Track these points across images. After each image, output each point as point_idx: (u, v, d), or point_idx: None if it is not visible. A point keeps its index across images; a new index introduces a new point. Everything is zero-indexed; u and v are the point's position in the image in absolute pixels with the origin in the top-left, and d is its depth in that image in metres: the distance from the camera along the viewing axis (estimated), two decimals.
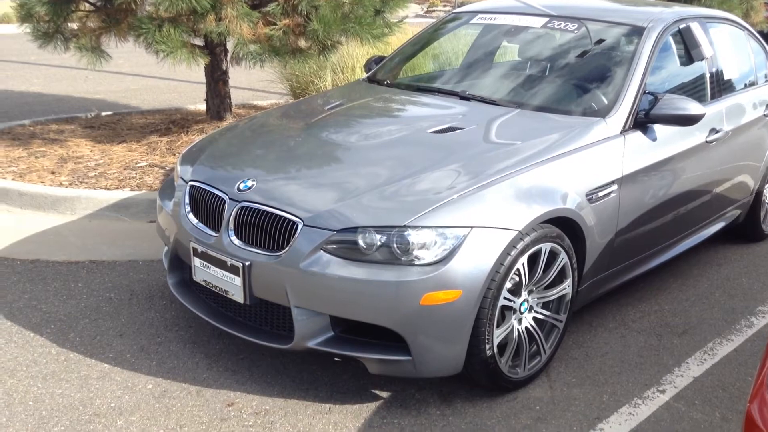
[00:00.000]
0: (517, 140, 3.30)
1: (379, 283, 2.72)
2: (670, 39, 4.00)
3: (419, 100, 3.96)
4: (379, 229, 2.78)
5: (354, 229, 2.79)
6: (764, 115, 4.62)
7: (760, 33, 16.87)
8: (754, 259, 4.74)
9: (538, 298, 3.17)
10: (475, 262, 2.79)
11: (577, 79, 3.94)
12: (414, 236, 2.75)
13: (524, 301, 3.09)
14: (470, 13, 4.62)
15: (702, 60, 4.05)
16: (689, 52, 4.01)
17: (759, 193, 4.82)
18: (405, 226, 2.76)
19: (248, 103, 8.18)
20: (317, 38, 5.85)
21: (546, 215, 3.01)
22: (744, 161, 4.49)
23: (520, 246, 2.90)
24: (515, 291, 3.02)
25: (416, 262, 2.75)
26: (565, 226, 3.15)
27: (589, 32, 4.00)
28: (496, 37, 4.57)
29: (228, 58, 6.54)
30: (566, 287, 3.23)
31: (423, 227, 2.77)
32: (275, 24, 5.83)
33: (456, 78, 4.49)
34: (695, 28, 4.07)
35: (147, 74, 10.59)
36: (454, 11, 4.79)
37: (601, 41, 3.97)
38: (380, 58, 4.72)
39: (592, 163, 3.32)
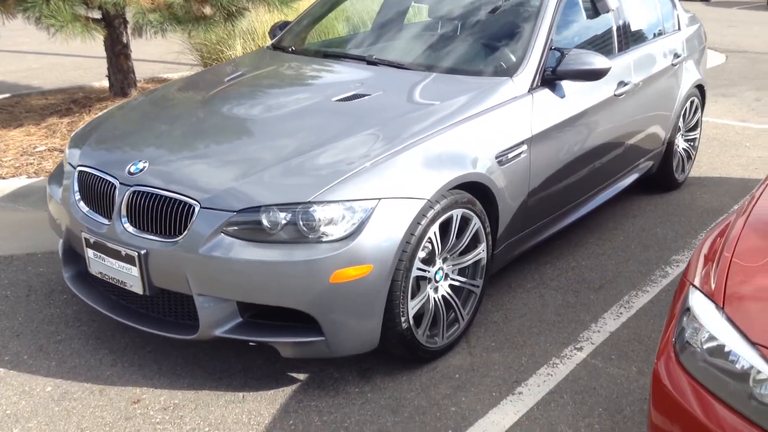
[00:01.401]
0: (424, 105, 3.20)
1: (285, 263, 2.60)
2: None
3: (325, 67, 3.81)
4: (283, 206, 2.65)
5: (256, 209, 2.65)
6: (672, 64, 4.65)
7: None
8: (668, 208, 4.81)
9: (453, 265, 3.10)
10: (384, 234, 2.69)
11: (485, 38, 3.85)
12: (320, 212, 2.63)
13: (439, 269, 3.03)
14: None
15: (608, 12, 4.01)
16: (595, 5, 3.97)
17: (671, 143, 4.87)
18: (310, 202, 2.64)
19: (157, 76, 7.83)
20: (221, 5, 5.60)
21: (455, 181, 2.94)
22: (654, 112, 4.52)
23: (430, 214, 2.82)
24: (429, 260, 2.94)
25: (324, 239, 2.63)
26: (476, 190, 3.08)
27: None
28: None
29: (129, 30, 6.21)
30: (481, 252, 3.18)
31: (329, 202, 2.65)
32: None
33: (365, 42, 4.34)
34: None
35: (50, 51, 10.02)
36: None
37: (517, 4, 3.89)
38: (285, 24, 4.53)
39: (501, 125, 3.25)
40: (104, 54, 6.32)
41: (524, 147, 3.32)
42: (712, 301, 1.90)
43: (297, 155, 2.83)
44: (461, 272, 3.15)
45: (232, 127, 3.12)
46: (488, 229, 3.19)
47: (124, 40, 6.27)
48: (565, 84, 3.57)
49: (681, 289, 2.08)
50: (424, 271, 2.91)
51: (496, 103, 3.28)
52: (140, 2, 5.44)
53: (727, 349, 1.79)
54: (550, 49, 3.55)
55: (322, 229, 2.64)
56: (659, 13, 4.73)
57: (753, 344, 1.74)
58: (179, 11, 5.58)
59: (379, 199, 2.70)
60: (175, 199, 2.71)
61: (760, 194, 2.39)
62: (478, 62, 3.65)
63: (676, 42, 4.79)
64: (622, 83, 4.01)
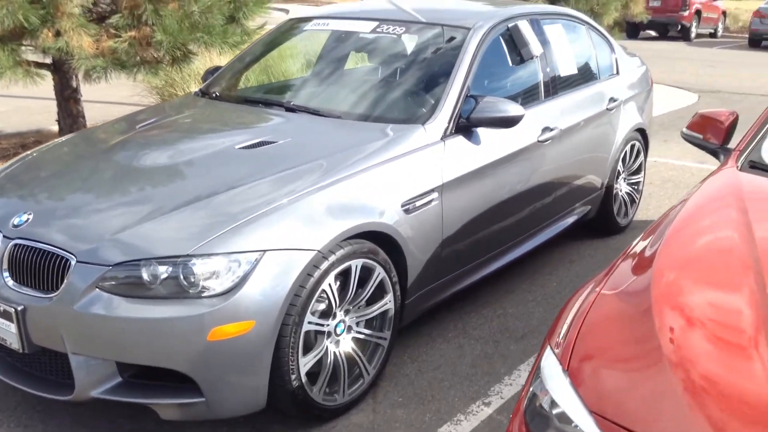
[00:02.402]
0: (328, 153, 3.14)
1: (161, 321, 2.51)
2: (500, 39, 3.92)
3: (242, 113, 3.76)
4: (162, 260, 2.57)
5: (134, 262, 2.58)
6: (608, 108, 4.62)
7: (644, 23, 17.24)
8: (608, 253, 4.74)
9: (357, 317, 3.02)
10: (269, 288, 2.61)
11: (406, 84, 3.82)
12: (201, 265, 2.56)
13: (340, 322, 2.94)
14: (306, 20, 4.45)
15: (531, 58, 3.99)
16: (519, 51, 3.95)
17: (609, 187, 4.82)
18: (189, 255, 2.57)
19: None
20: (165, 49, 5.60)
21: (353, 231, 2.87)
22: (588, 156, 4.48)
23: (323, 266, 2.75)
24: (327, 313, 2.86)
25: (204, 294, 2.56)
26: (380, 239, 3.01)
27: (416, 36, 3.90)
28: (337, 43, 4.41)
29: (79, 75, 6.20)
30: (388, 303, 3.10)
31: (210, 255, 2.57)
32: (120, 36, 5.55)
33: (295, 87, 4.32)
34: (524, 26, 4.01)
35: (19, 94, 10.00)
36: (289, 17, 4.62)
37: (427, 45, 3.87)
38: (216, 69, 4.51)
39: (408, 172, 3.20)
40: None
41: (434, 195, 3.26)
42: (560, 362, 1.82)
43: (184, 205, 2.76)
44: (368, 324, 3.07)
45: (125, 176, 3.06)
46: (395, 279, 3.11)
47: (74, 84, 6.26)
48: (483, 131, 3.53)
49: (543, 346, 2.01)
50: (321, 324, 2.83)
51: (405, 151, 3.23)
52: (84, 47, 5.43)
53: (570, 415, 1.71)
54: (467, 96, 3.51)
55: (203, 283, 2.56)
56: (594, 59, 4.71)
57: (591, 412, 1.66)
58: (123, 56, 5.57)
59: (264, 250, 2.63)
60: (53, 253, 2.64)
61: (631, 248, 2.33)
62: (392, 109, 3.61)
63: (612, 86, 4.77)
64: (547, 129, 3.97)
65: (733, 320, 1.88)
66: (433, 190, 3.25)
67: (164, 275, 2.56)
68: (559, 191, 4.19)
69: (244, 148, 3.20)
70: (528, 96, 4.00)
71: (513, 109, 3.42)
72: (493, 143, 3.60)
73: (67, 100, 6.29)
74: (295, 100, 3.74)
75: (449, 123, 3.43)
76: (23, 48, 5.45)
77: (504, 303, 4.00)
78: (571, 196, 4.41)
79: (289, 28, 4.53)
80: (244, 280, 2.58)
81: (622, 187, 5.04)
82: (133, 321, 2.52)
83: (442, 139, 3.38)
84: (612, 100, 4.68)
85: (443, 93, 3.49)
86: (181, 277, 2.56)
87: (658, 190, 6.09)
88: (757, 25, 20.18)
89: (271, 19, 6.85)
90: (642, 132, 5.10)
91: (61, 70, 6.10)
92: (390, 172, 3.13)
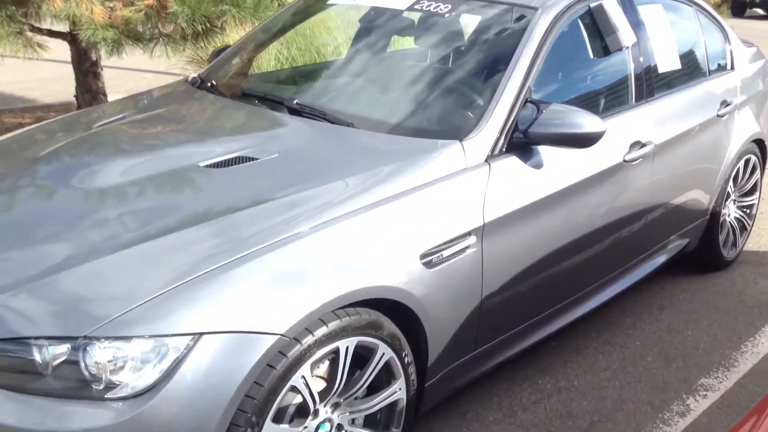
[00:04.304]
0: (320, 180, 2.26)
1: None
2: (578, 23, 2.92)
3: (231, 113, 2.90)
4: (54, 340, 1.77)
5: (18, 341, 1.79)
6: (718, 115, 3.56)
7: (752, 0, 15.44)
8: (709, 298, 3.71)
9: (351, 413, 2.17)
10: (206, 388, 1.78)
11: (437, 82, 2.86)
12: (105, 351, 1.75)
13: (324, 422, 2.10)
14: None
15: (620, 49, 2.98)
16: (603, 39, 2.94)
17: (715, 213, 3.77)
18: (90, 338, 1.76)
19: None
20: (184, 21, 4.80)
21: (342, 300, 2.00)
22: (690, 177, 3.45)
23: (293, 353, 1.90)
24: (304, 410, 2.02)
25: (110, 395, 1.75)
26: (385, 305, 2.14)
27: (461, 17, 2.96)
28: (367, 23, 3.47)
29: (100, 48, 5.49)
30: (397, 391, 2.23)
31: (119, 337, 1.76)
32: (134, 4, 4.80)
33: (306, 80, 3.44)
34: (611, 6, 2.98)
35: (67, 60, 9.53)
36: None
37: (475, 29, 2.91)
38: (223, 50, 3.66)
39: (434, 209, 2.29)
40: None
41: (472, 239, 2.34)
42: None
43: (99, 255, 1.94)
44: (369, 422, 2.22)
45: (37, 204, 2.25)
46: (409, 359, 2.24)
47: (93, 56, 5.56)
48: (546, 149, 2.58)
49: None
50: (296, 427, 2.00)
51: (432, 178, 2.32)
52: (94, 16, 4.70)
53: None
54: (526, 101, 2.56)
55: (110, 376, 1.75)
56: (702, 49, 3.64)
57: None
58: (139, 27, 4.82)
59: (201, 333, 1.79)
60: None
61: None
62: (420, 117, 2.68)
63: (726, 85, 3.69)
64: (637, 144, 2.98)
65: None
66: (469, 233, 2.34)
67: (56, 361, 1.77)
68: (648, 224, 3.19)
69: (210, 166, 2.35)
70: (613, 100, 3.01)
71: (590, 123, 2.46)
72: (561, 165, 2.65)
73: (86, 74, 5.60)
74: (301, 97, 2.85)
75: (499, 138, 2.49)
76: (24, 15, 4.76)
77: (567, 369, 3.05)
78: (664, 229, 3.40)
79: (313, 4, 3.64)
80: (168, 375, 1.76)
81: (730, 212, 3.98)
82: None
83: (487, 160, 2.45)
84: (724, 103, 3.61)
85: (492, 96, 2.55)
86: (83, 364, 1.76)
87: None
88: None
89: None
90: (760, 144, 3.99)
91: (77, 40, 5.39)
92: (406, 210, 2.23)
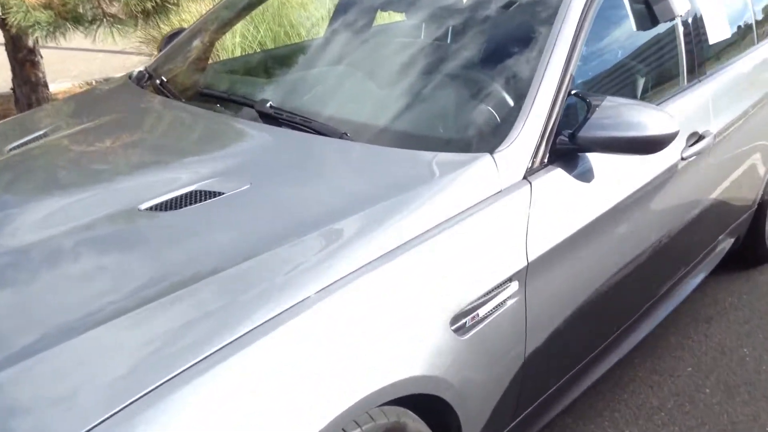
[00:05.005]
0: (305, 225, 1.63)
1: None
2: None
3: (187, 123, 2.25)
4: None
5: None
6: None
7: None
8: (757, 303, 3.19)
9: None
10: None
11: (454, 75, 2.25)
12: None
13: None
14: None
15: (672, 20, 2.39)
16: (651, 9, 2.34)
17: (763, 203, 3.24)
18: None
19: (104, 79, 6.42)
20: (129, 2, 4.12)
21: (350, 414, 1.41)
22: (743, 166, 2.90)
23: None
24: None
25: None
26: (410, 399, 1.56)
27: None
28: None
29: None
30: None
31: None
32: None
33: (281, 72, 2.80)
34: None
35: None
36: None
37: (507, 2, 2.30)
38: (177, 33, 3.01)
39: (463, 253, 1.71)
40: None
41: (513, 287, 1.77)
42: None
43: None
44: None
45: None
46: None
47: (30, 43, 4.84)
48: (593, 157, 2.00)
49: None
50: None
51: (457, 210, 1.72)
52: None
53: None
54: (568, 93, 1.97)
55: None
56: (750, 11, 3.06)
57: None
58: (80, 8, 4.12)
59: None
60: None
61: None
62: (435, 122, 2.07)
63: None
64: (695, 136, 2.41)
65: None
66: (510, 280, 1.76)
67: None
68: (697, 226, 2.64)
69: (155, 207, 1.72)
70: (664, 83, 2.43)
71: (658, 122, 1.88)
72: (612, 174, 2.07)
73: (22, 64, 4.88)
74: (276, 97, 2.22)
75: (539, 146, 1.90)
76: None
77: (614, 410, 2.52)
78: (714, 229, 2.87)
79: None
80: None
81: None
82: None
83: (526, 177, 1.87)
84: None
85: (528, 88, 1.95)
86: None
87: None
88: None
89: None
90: None
91: (6, 25, 4.67)
92: (429, 259, 1.64)
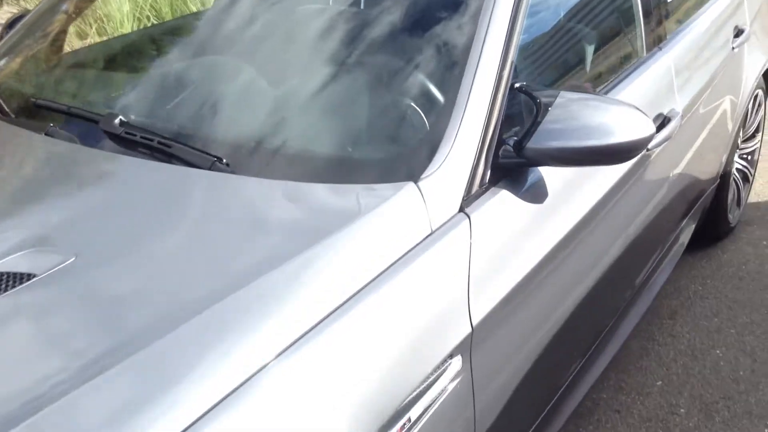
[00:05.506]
0: (161, 311, 1.13)
1: None
2: None
3: (7, 153, 1.68)
4: None
5: None
6: (732, 48, 2.59)
7: None
8: (723, 288, 2.86)
9: None
10: None
11: (361, 76, 1.71)
12: None
13: None
14: None
15: None
16: None
17: (726, 174, 2.88)
18: None
19: None
20: None
21: None
22: (708, 141, 2.50)
23: None
24: None
25: None
26: None
27: None
28: None
29: None
30: None
31: None
32: None
33: (139, 68, 2.21)
34: None
35: None
36: None
37: None
38: (19, 18, 2.39)
39: (385, 337, 1.22)
40: None
41: (455, 364, 1.32)
42: None
43: None
44: None
45: None
46: None
47: None
48: (545, 169, 1.53)
49: None
50: None
51: (363, 280, 1.22)
52: None
53: None
54: (509, 88, 1.49)
55: None
56: None
57: None
58: None
59: None
60: None
61: None
62: (338, 141, 1.54)
63: (735, 5, 2.71)
64: (659, 118, 1.97)
65: None
66: (450, 356, 1.30)
67: None
68: (662, 217, 2.24)
69: None
70: (623, 56, 1.97)
71: (628, 123, 1.42)
72: (569, 185, 1.62)
73: None
74: (130, 107, 1.67)
75: (477, 165, 1.42)
76: None
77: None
78: (678, 218, 2.48)
79: None
80: None
81: (735, 165, 3.09)
82: None
83: (463, 209, 1.38)
84: (738, 31, 2.64)
85: (458, 89, 1.45)
86: None
87: None
88: None
89: None
90: (766, 74, 3.08)
91: None
92: (336, 352, 1.15)
